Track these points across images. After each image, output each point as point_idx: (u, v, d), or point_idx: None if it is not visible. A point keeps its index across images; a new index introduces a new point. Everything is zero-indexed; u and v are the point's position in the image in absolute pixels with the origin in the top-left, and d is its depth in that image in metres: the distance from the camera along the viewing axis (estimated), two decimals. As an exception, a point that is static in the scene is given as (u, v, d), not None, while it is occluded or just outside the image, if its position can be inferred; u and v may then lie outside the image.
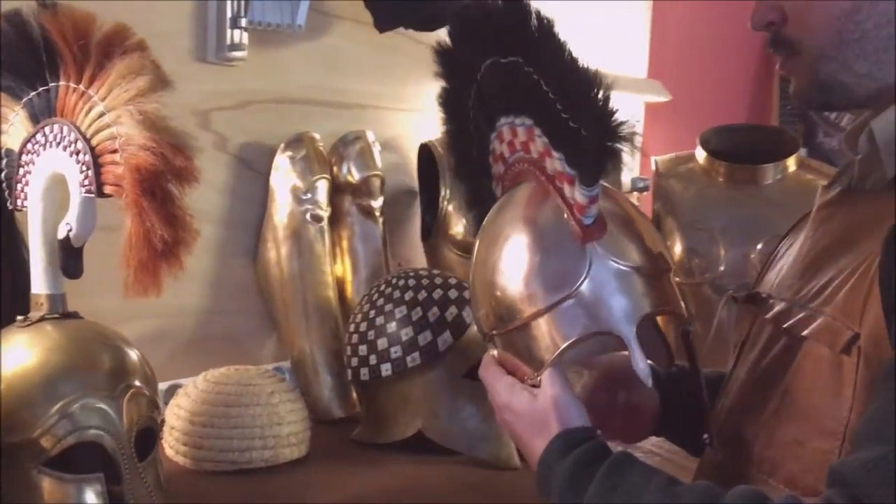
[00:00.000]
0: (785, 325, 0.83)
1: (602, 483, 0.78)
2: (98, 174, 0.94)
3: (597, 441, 0.83)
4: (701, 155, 1.76)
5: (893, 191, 0.79)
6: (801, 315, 0.82)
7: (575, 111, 0.81)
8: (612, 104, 0.81)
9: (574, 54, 0.84)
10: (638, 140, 0.84)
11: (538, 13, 0.87)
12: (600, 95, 0.80)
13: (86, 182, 0.95)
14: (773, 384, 0.84)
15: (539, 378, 0.86)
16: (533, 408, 0.85)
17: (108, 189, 0.94)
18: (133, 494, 0.95)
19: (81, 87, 0.96)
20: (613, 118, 0.80)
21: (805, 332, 0.80)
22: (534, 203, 0.89)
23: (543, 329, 0.86)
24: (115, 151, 0.93)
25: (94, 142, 0.95)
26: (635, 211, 0.92)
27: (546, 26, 0.85)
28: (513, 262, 0.88)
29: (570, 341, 0.84)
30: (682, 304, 0.90)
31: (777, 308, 0.87)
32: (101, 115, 0.94)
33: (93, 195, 0.95)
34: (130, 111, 0.88)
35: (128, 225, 0.91)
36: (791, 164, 1.70)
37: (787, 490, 0.80)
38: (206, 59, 1.47)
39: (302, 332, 1.53)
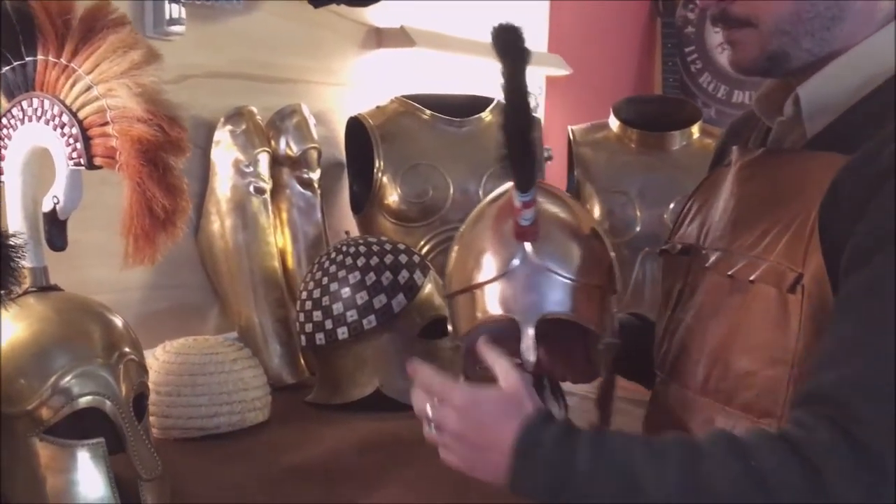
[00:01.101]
0: (730, 273, 0.94)
1: (588, 450, 0.82)
2: (87, 147, 0.96)
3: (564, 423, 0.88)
4: (614, 124, 1.89)
5: (812, 151, 0.89)
6: (743, 263, 0.92)
7: (508, 138, 0.92)
8: (531, 134, 0.93)
9: (523, 91, 0.92)
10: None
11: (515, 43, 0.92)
12: (523, 126, 0.92)
13: (74, 155, 0.97)
14: (723, 323, 0.94)
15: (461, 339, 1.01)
16: (494, 395, 0.89)
17: (98, 161, 0.96)
18: (138, 456, 0.98)
19: (63, 61, 0.97)
20: (528, 146, 0.92)
21: (752, 277, 0.90)
22: (506, 201, 1.01)
23: (472, 300, 1.01)
24: (105, 124, 0.95)
25: (81, 115, 0.96)
26: (593, 233, 1.04)
27: (518, 59, 0.92)
28: (473, 240, 1.04)
29: (481, 319, 0.99)
30: (607, 322, 1.01)
31: (713, 257, 0.98)
32: (89, 88, 0.95)
33: (81, 168, 0.97)
34: (127, 84, 0.91)
35: (127, 195, 0.93)
36: (695, 131, 1.86)
37: (744, 414, 0.91)
38: (144, 33, 1.47)
39: (249, 303, 1.57)
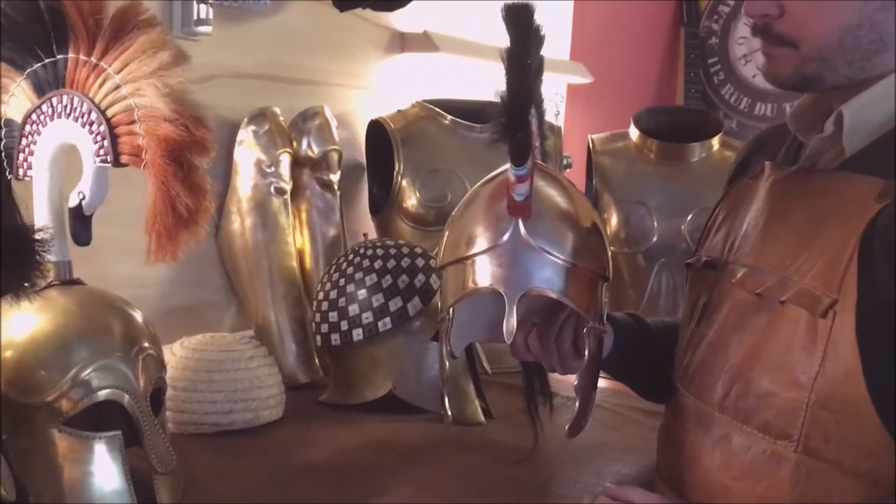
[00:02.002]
0: (759, 291, 0.93)
1: None
2: (115, 144, 0.97)
3: None
4: (634, 133, 1.89)
5: (849, 173, 0.89)
6: (773, 281, 0.92)
7: (506, 110, 0.93)
8: (528, 109, 0.94)
9: (524, 62, 0.93)
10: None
11: (526, 19, 0.94)
12: (521, 99, 0.93)
13: (101, 152, 0.99)
14: (746, 341, 0.94)
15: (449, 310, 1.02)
16: None
17: (125, 159, 0.98)
18: (154, 449, 0.99)
19: (93, 60, 0.99)
20: (524, 118, 0.93)
21: (783, 298, 0.90)
22: (505, 181, 1.01)
23: (462, 272, 1.01)
24: (132, 123, 0.97)
25: (109, 113, 0.98)
26: (592, 226, 1.04)
27: (523, 31, 0.93)
28: (466, 216, 1.04)
29: (469, 291, 0.99)
30: (597, 307, 1.01)
31: (741, 273, 0.97)
32: (117, 87, 0.97)
33: (108, 165, 0.99)
34: (155, 84, 0.93)
35: (151, 193, 0.95)
36: (715, 143, 1.86)
37: (761, 434, 0.90)
38: (172, 32, 1.49)
39: (267, 302, 1.58)
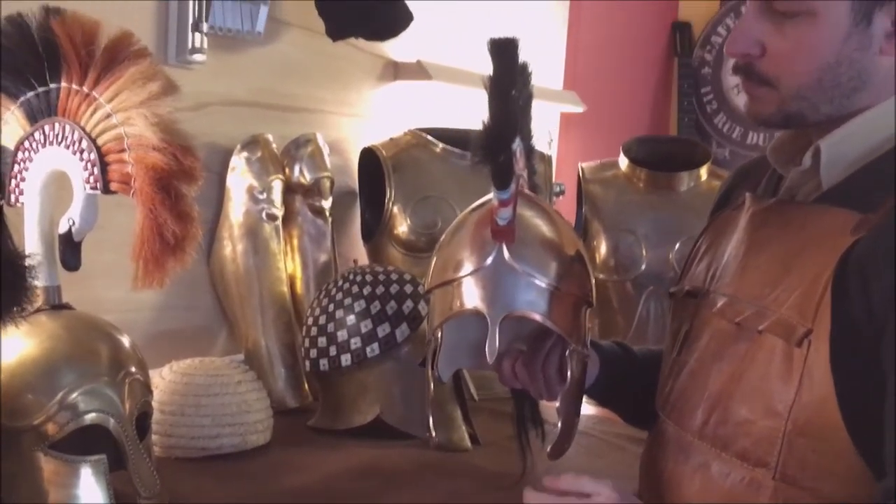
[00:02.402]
0: (737, 320, 0.95)
1: None
2: (104, 172, 0.99)
3: None
4: (623, 162, 1.92)
5: (826, 206, 0.91)
6: (751, 311, 0.93)
7: (488, 135, 0.95)
8: (510, 135, 0.96)
9: (506, 88, 0.96)
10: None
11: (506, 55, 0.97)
12: (504, 124, 0.95)
13: (91, 179, 1.01)
14: (725, 369, 0.95)
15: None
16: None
17: (114, 186, 1.00)
18: (138, 474, 1.00)
19: (85, 89, 1.01)
20: (506, 142, 0.95)
21: (761, 327, 0.91)
22: (488, 210, 1.03)
23: (448, 294, 1.03)
24: (122, 151, 0.99)
25: (99, 141, 1.00)
26: (576, 254, 1.06)
27: (507, 60, 0.96)
28: (453, 242, 1.06)
29: (454, 312, 1.01)
30: (580, 331, 1.02)
31: (721, 302, 0.99)
32: (108, 116, 0.99)
33: (97, 192, 1.01)
34: (145, 114, 0.95)
35: (139, 220, 0.97)
36: (703, 172, 1.88)
37: (739, 462, 0.91)
38: (167, 61, 1.52)
39: (257, 326, 1.60)
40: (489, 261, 1.00)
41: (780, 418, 0.88)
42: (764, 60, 0.94)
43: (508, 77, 0.95)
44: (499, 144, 0.95)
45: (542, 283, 1.00)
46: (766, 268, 0.94)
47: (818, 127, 0.95)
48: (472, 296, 1.00)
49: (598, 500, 0.94)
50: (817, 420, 0.86)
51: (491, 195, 1.04)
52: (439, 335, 1.05)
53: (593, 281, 1.07)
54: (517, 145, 1.02)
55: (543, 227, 1.05)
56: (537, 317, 1.00)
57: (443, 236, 1.11)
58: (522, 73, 1.00)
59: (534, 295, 0.99)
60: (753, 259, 0.97)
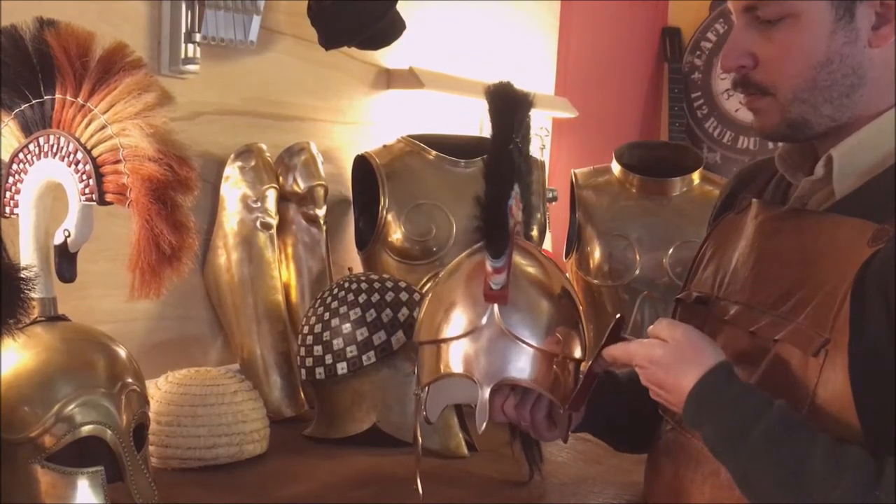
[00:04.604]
0: (752, 329, 0.95)
1: (773, 427, 0.86)
2: (100, 183, 0.99)
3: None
4: (616, 168, 1.93)
5: (840, 216, 0.92)
6: (766, 320, 0.94)
7: (484, 211, 0.99)
8: (506, 203, 0.99)
9: (502, 158, 0.98)
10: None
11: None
12: (501, 193, 0.98)
13: (86, 190, 1.01)
14: (743, 378, 0.95)
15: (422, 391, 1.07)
16: (671, 350, 0.94)
17: (109, 197, 1.00)
18: (136, 484, 1.00)
19: (80, 100, 1.01)
20: (502, 217, 0.98)
21: (778, 337, 0.92)
22: (482, 259, 1.05)
23: (437, 353, 1.05)
24: (117, 162, 0.99)
25: (94, 152, 1.00)
26: (563, 292, 1.07)
27: (503, 132, 0.98)
28: (446, 292, 1.07)
29: (442, 374, 1.03)
30: (568, 391, 1.03)
31: (733, 311, 1.00)
32: (103, 127, 0.99)
33: (93, 203, 1.01)
34: (140, 125, 0.95)
35: (135, 231, 0.97)
36: (695, 177, 1.89)
37: None
38: (160, 71, 1.52)
39: (252, 336, 1.60)
40: (482, 321, 1.01)
41: None
42: (758, 70, 0.95)
43: (504, 149, 0.97)
44: (495, 219, 0.98)
45: (532, 345, 1.01)
46: (781, 277, 0.95)
47: (826, 136, 0.95)
48: (462, 360, 1.02)
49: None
50: (830, 430, 0.86)
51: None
52: (427, 389, 1.07)
53: (584, 331, 1.08)
54: (514, 193, 1.04)
55: (533, 273, 1.06)
56: (529, 384, 1.02)
57: (440, 275, 1.12)
58: (521, 109, 1.01)
59: (524, 360, 1.01)
60: (767, 268, 0.98)
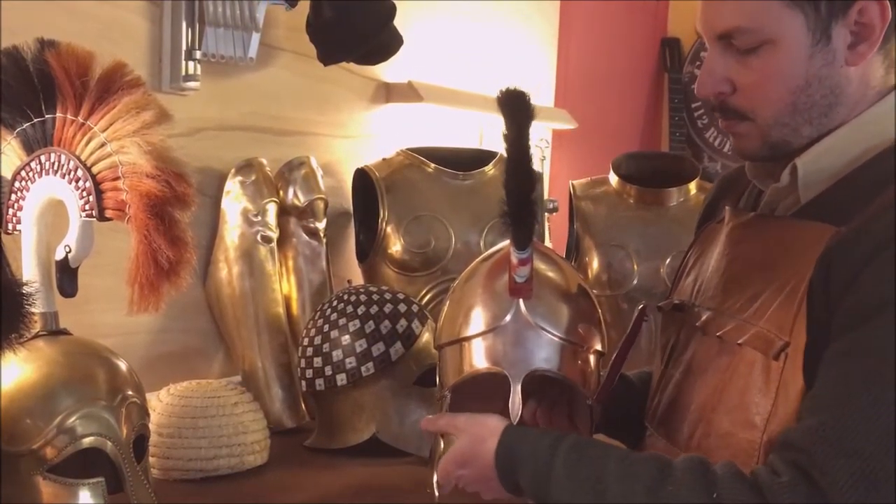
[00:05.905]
0: (718, 334, 0.97)
1: (567, 455, 0.91)
2: (100, 199, 1.01)
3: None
4: (613, 179, 1.94)
5: (803, 220, 0.93)
6: (732, 325, 0.95)
7: (509, 197, 0.98)
8: (531, 195, 0.98)
9: (526, 149, 0.98)
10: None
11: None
12: (525, 186, 0.97)
13: (86, 207, 1.03)
14: (709, 383, 0.97)
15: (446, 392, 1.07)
16: (464, 439, 0.99)
17: (109, 213, 1.02)
18: (136, 496, 1.02)
19: (80, 119, 1.03)
20: (530, 206, 0.97)
21: (740, 341, 0.93)
22: (503, 259, 1.05)
23: (460, 352, 1.05)
24: (116, 179, 1.01)
25: (94, 170, 1.02)
26: (580, 290, 1.08)
27: (523, 122, 0.98)
28: (465, 295, 1.08)
29: (469, 372, 1.03)
30: (593, 382, 1.04)
31: (704, 317, 1.01)
32: (103, 145, 1.01)
33: (93, 219, 1.03)
34: (138, 142, 0.97)
35: (134, 246, 0.99)
36: (692, 187, 1.91)
37: None
38: (161, 88, 1.54)
39: (254, 348, 1.61)
40: (508, 318, 1.01)
41: (757, 431, 0.90)
42: (736, 96, 0.95)
43: (525, 139, 0.96)
44: (523, 208, 0.97)
45: (557, 337, 1.02)
46: (746, 282, 0.96)
47: (801, 150, 0.96)
48: (487, 355, 1.02)
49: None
50: None
51: (503, 245, 1.07)
52: (449, 393, 1.07)
53: (600, 312, 1.09)
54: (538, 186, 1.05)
55: (552, 274, 1.07)
56: (557, 374, 1.02)
57: (455, 283, 1.12)
58: (532, 111, 1.02)
59: (550, 351, 1.02)
60: (734, 273, 0.99)
